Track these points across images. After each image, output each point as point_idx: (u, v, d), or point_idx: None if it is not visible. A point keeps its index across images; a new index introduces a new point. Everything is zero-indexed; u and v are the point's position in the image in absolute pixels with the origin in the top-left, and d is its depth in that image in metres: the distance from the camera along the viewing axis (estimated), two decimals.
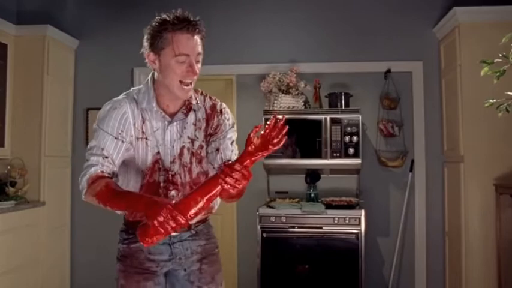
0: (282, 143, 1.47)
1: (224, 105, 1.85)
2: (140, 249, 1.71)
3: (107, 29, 4.51)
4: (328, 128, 3.82)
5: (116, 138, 1.63)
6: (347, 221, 3.60)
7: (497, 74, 2.11)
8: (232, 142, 1.80)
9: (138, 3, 4.48)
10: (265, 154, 1.46)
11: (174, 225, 1.36)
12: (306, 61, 4.21)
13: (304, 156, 3.86)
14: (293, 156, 3.86)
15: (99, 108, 4.77)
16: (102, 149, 1.61)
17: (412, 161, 4.10)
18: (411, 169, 4.09)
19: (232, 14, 4.35)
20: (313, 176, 3.97)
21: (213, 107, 1.80)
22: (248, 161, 1.45)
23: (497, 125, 3.30)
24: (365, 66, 4.18)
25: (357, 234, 3.58)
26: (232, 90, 4.35)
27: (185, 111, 1.72)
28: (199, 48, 1.61)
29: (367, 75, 4.18)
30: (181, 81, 1.61)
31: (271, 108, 3.95)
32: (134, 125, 1.66)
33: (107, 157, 1.61)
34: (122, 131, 1.64)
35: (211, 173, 1.75)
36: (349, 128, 3.80)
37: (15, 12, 4.34)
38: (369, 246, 3.89)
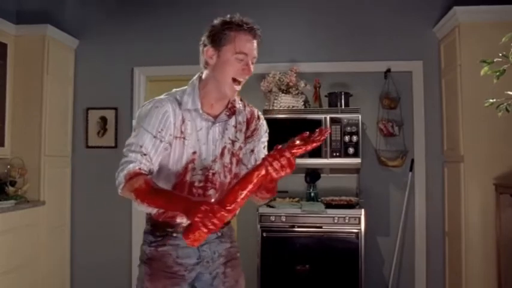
0: (322, 140, 1.52)
1: (260, 113, 1.92)
2: (168, 252, 1.71)
3: (107, 29, 4.51)
4: (328, 128, 3.81)
5: (155, 137, 1.63)
6: (347, 221, 3.60)
7: (497, 73, 2.11)
8: (265, 146, 1.89)
9: (138, 3, 4.48)
10: (309, 148, 1.51)
11: (215, 221, 1.37)
12: (306, 61, 4.21)
13: (304, 155, 3.84)
14: None
15: (99, 108, 4.76)
16: (141, 146, 1.61)
17: (412, 161, 4.10)
18: (411, 169, 4.09)
19: (232, 13, 4.34)
20: (313, 175, 3.97)
21: (252, 112, 1.87)
22: (294, 150, 1.49)
23: (497, 124, 3.30)
24: (365, 65, 4.18)
25: (356, 233, 3.59)
26: None
27: (228, 113, 1.76)
28: (256, 52, 1.71)
29: (367, 74, 4.18)
30: (234, 79, 1.67)
31: (271, 108, 3.95)
32: (174, 124, 1.67)
33: (145, 154, 1.61)
34: (161, 129, 1.64)
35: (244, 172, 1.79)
36: (349, 128, 3.80)
37: (15, 11, 4.34)
38: (369, 246, 3.89)
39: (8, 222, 3.53)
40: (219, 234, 1.80)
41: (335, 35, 4.27)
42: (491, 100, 2.21)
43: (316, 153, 3.81)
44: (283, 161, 1.47)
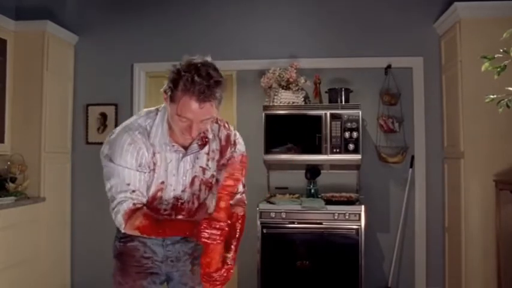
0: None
1: (238, 135, 1.84)
2: (136, 248, 1.77)
3: (106, 25, 4.50)
4: (328, 124, 3.82)
5: (137, 170, 1.62)
6: (347, 217, 3.60)
7: (498, 69, 2.10)
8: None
9: None
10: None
11: (218, 233, 1.46)
12: (306, 57, 4.20)
13: (304, 151, 3.86)
14: (293, 152, 3.86)
15: (99, 104, 4.73)
16: (128, 184, 1.60)
17: (412, 157, 4.10)
18: (411, 165, 4.09)
19: (232, 10, 4.34)
20: (313, 171, 3.97)
21: (228, 137, 1.79)
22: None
23: (497, 121, 3.30)
24: (365, 61, 4.17)
25: (357, 229, 3.59)
26: (232, 86, 4.34)
27: (200, 143, 1.71)
28: (206, 115, 1.53)
29: (367, 70, 4.17)
30: (182, 133, 1.60)
31: (271, 104, 3.94)
32: (147, 158, 1.65)
33: (134, 191, 1.61)
34: (140, 164, 1.63)
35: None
36: (349, 124, 3.80)
37: (14, 7, 4.32)
38: (369, 242, 3.89)
39: (8, 219, 3.53)
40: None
41: (335, 30, 4.26)
42: (491, 96, 2.21)
43: (316, 149, 3.81)
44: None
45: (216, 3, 4.32)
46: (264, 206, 3.73)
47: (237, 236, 1.67)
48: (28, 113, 4.01)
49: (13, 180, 3.87)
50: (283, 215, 3.67)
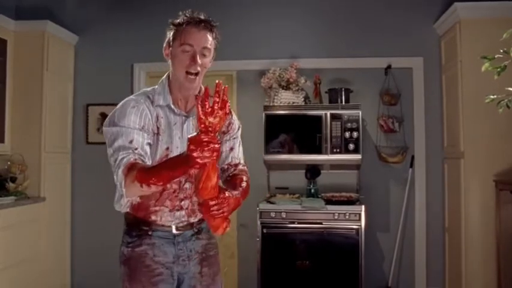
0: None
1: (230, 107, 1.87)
2: (145, 252, 1.72)
3: (106, 25, 4.50)
4: (329, 124, 3.82)
5: (141, 130, 1.64)
6: (347, 217, 3.61)
7: (498, 69, 2.11)
8: (240, 143, 1.92)
9: None
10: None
11: (212, 147, 1.37)
12: (306, 57, 4.21)
13: (304, 151, 3.86)
14: (293, 152, 3.86)
15: (99, 104, 4.73)
16: (131, 142, 1.60)
17: (412, 157, 4.10)
18: (411, 165, 4.09)
19: (232, 10, 4.34)
20: (313, 171, 3.97)
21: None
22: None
23: (497, 121, 3.30)
24: (365, 62, 4.17)
25: (357, 229, 3.59)
26: (233, 86, 4.35)
27: None
28: (206, 42, 1.68)
29: (367, 71, 4.17)
30: (187, 72, 1.67)
31: (271, 104, 3.94)
32: (151, 120, 1.70)
33: (136, 149, 1.60)
34: (143, 125, 1.66)
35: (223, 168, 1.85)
36: (349, 124, 3.80)
37: (14, 7, 4.32)
38: (369, 242, 3.89)
39: (8, 219, 3.53)
40: (196, 230, 1.82)
41: (335, 31, 4.27)
42: (491, 96, 2.21)
43: (316, 149, 3.81)
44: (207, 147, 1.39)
45: (217, 4, 4.32)
46: (264, 206, 3.73)
47: (242, 185, 1.73)
48: (28, 113, 4.01)
49: (13, 180, 3.87)
50: (284, 215, 3.67)
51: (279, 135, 3.89)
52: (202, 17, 1.71)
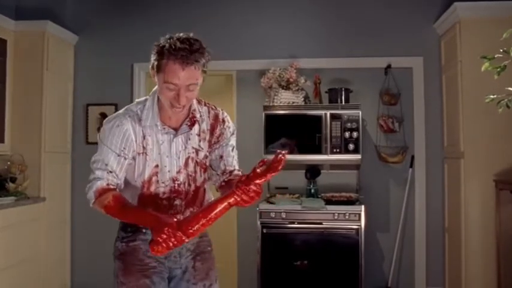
0: (280, 168, 1.52)
1: (225, 113, 1.90)
2: (139, 246, 1.77)
3: (106, 25, 4.50)
4: (328, 124, 3.82)
5: (118, 155, 1.70)
6: (347, 217, 3.61)
7: (498, 69, 2.11)
8: (233, 148, 1.88)
9: None
10: (269, 177, 1.52)
11: (175, 242, 1.49)
12: (306, 57, 4.20)
13: (304, 151, 3.86)
14: (293, 152, 3.86)
15: (99, 104, 4.75)
16: (106, 165, 1.70)
17: (412, 157, 4.10)
18: (411, 165, 4.09)
19: (232, 10, 4.34)
20: (313, 171, 3.97)
21: (216, 116, 1.85)
22: (259, 181, 1.51)
23: (497, 121, 3.30)
24: (365, 61, 4.17)
25: (356, 229, 3.59)
26: (233, 85, 4.35)
27: (189, 124, 1.76)
28: (191, 79, 1.60)
29: (367, 70, 4.17)
30: (171, 104, 1.65)
31: (271, 104, 3.94)
32: (136, 141, 1.72)
33: (111, 172, 1.70)
34: (124, 148, 1.70)
35: (214, 178, 1.84)
36: (349, 124, 3.80)
37: (14, 7, 4.32)
38: (369, 242, 3.89)
39: (8, 219, 3.53)
40: None
41: (335, 31, 4.27)
42: (491, 96, 2.21)
43: (316, 149, 3.81)
44: (252, 194, 1.50)
45: (217, 4, 4.32)
46: (264, 206, 3.73)
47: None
48: (28, 113, 4.01)
49: (13, 180, 3.87)
50: (283, 215, 3.67)
51: (279, 135, 3.89)
52: (188, 48, 1.58)
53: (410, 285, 4.10)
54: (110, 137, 1.70)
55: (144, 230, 1.76)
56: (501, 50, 2.10)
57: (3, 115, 3.93)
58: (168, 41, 1.60)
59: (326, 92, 4.05)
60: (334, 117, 3.83)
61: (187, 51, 1.57)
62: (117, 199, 1.65)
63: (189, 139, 1.77)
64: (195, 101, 1.77)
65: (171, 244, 1.48)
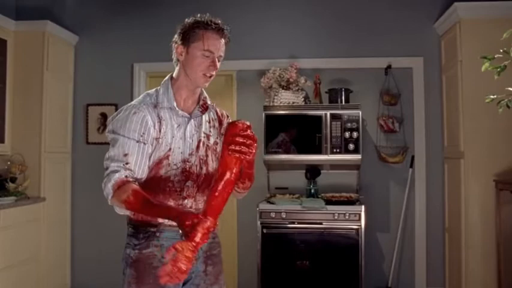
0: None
1: (227, 113, 2.01)
2: (153, 253, 1.71)
3: (106, 25, 4.50)
4: (329, 124, 3.82)
5: (138, 141, 1.66)
6: (347, 217, 3.60)
7: (498, 69, 2.11)
8: None
9: None
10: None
11: (203, 230, 1.40)
12: (306, 57, 4.21)
13: (304, 151, 3.86)
14: (293, 152, 3.86)
15: (99, 104, 4.72)
16: (125, 155, 1.63)
17: (413, 157, 4.10)
18: (411, 165, 4.09)
19: (232, 11, 4.34)
20: (313, 171, 3.97)
21: (222, 112, 1.96)
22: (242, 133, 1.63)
23: (497, 121, 3.30)
24: (365, 62, 4.17)
25: (357, 229, 3.58)
26: (233, 86, 4.35)
27: (201, 110, 1.82)
28: (222, 50, 1.78)
29: (367, 71, 4.17)
30: (203, 74, 1.73)
31: (271, 104, 3.94)
32: (154, 126, 1.70)
33: (129, 163, 1.63)
34: (143, 133, 1.67)
35: None
36: (349, 124, 3.80)
37: (15, 7, 4.33)
38: (369, 242, 3.90)
39: (8, 219, 3.53)
40: None
41: (335, 31, 4.27)
42: (491, 96, 2.21)
43: (316, 149, 3.81)
44: (240, 139, 1.57)
45: (216, 4, 4.32)
46: (264, 206, 3.73)
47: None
48: (28, 113, 4.01)
49: (13, 180, 3.87)
50: (283, 215, 3.67)
51: (279, 135, 3.89)
52: (220, 23, 1.78)
53: (411, 285, 4.11)
54: (128, 125, 1.66)
55: (157, 234, 1.71)
56: (501, 50, 2.11)
57: (4, 115, 3.93)
58: (200, 18, 1.77)
59: (326, 92, 4.05)
60: (334, 117, 3.82)
61: (221, 25, 1.77)
62: (137, 194, 1.56)
63: (201, 124, 1.81)
64: (204, 91, 1.85)
65: (198, 238, 1.38)
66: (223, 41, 1.78)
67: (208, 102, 1.87)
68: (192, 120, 1.79)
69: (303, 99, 3.98)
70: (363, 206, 3.62)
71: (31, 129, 4.01)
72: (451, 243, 3.89)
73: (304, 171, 4.00)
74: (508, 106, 2.14)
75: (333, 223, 3.61)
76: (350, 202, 3.69)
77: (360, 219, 3.59)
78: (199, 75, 1.73)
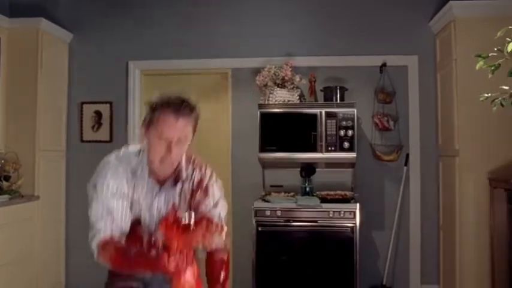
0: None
1: (213, 179, 1.85)
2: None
3: (101, 22, 4.48)
4: (324, 122, 3.82)
5: (120, 198, 1.66)
6: (342, 215, 3.61)
7: (493, 68, 2.11)
8: (222, 207, 1.87)
9: None
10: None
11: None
12: (301, 55, 4.20)
13: (299, 150, 3.86)
14: (288, 150, 3.86)
15: (93, 102, 4.71)
16: (108, 213, 1.63)
17: (407, 155, 4.11)
18: (406, 163, 4.10)
19: (227, 8, 4.33)
20: (308, 169, 3.97)
21: (200, 182, 1.81)
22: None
23: (492, 119, 3.30)
24: (360, 60, 4.18)
25: (352, 227, 3.59)
26: (228, 84, 4.34)
27: (174, 181, 1.76)
28: (184, 131, 1.64)
29: (362, 69, 4.18)
30: (161, 159, 1.65)
31: (266, 102, 3.94)
32: (128, 185, 1.70)
33: (113, 220, 1.63)
34: (123, 192, 1.67)
35: None
36: (344, 122, 3.80)
37: (8, 4, 4.30)
38: (364, 240, 3.90)
39: (2, 217, 3.52)
40: None
41: (330, 29, 4.27)
42: (486, 94, 2.22)
43: (311, 147, 3.82)
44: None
45: (212, 2, 4.31)
46: (259, 204, 3.73)
47: (220, 281, 1.76)
48: (22, 110, 3.99)
49: (7, 178, 3.85)
50: (279, 213, 3.67)
51: (274, 134, 3.88)
52: (179, 100, 1.64)
53: (405, 282, 4.12)
54: (107, 184, 1.65)
55: (138, 276, 1.75)
56: (495, 49, 2.11)
57: None
58: (162, 99, 1.64)
59: (321, 90, 4.05)
60: (329, 115, 3.83)
61: (179, 106, 1.62)
62: (119, 251, 1.59)
63: (172, 196, 1.76)
64: (183, 159, 1.76)
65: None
66: (184, 120, 1.63)
67: (184, 174, 1.78)
68: (163, 192, 1.75)
69: (298, 97, 3.98)
70: (357, 204, 3.63)
71: (25, 127, 3.99)
72: (446, 241, 3.90)
73: (299, 169, 4.00)
74: (502, 104, 2.14)
75: (328, 221, 3.62)
76: (345, 200, 3.70)
77: (354, 217, 3.59)
78: (158, 160, 1.65)
